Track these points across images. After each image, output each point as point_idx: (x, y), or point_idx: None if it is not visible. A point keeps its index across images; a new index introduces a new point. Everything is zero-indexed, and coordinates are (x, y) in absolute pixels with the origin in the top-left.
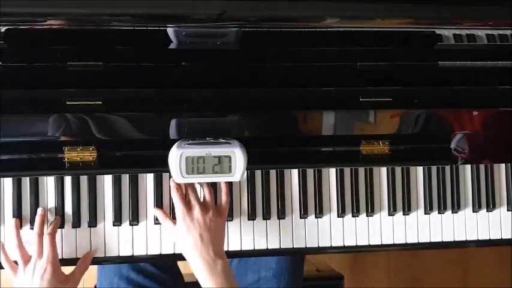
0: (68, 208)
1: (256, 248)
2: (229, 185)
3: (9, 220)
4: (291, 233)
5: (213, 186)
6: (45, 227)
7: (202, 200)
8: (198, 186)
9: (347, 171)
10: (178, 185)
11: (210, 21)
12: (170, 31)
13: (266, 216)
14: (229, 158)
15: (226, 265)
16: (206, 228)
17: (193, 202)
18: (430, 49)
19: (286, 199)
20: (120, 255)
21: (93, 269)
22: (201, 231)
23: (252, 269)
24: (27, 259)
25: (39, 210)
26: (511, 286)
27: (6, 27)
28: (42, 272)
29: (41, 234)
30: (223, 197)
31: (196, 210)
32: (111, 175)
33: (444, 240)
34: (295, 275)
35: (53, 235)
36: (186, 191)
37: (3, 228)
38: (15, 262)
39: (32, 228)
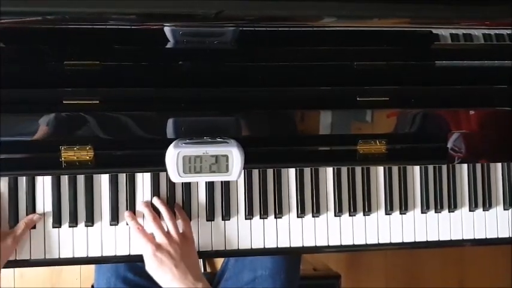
0: (65, 207)
1: (253, 248)
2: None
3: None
4: (288, 232)
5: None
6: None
7: (166, 231)
8: (157, 222)
9: (344, 170)
10: (137, 221)
11: (207, 21)
12: (167, 30)
13: (263, 215)
14: (227, 157)
15: (207, 286)
16: (178, 257)
17: (159, 236)
18: (427, 48)
19: (284, 198)
20: (117, 254)
21: (90, 270)
22: (174, 261)
23: (248, 268)
24: None
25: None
26: (510, 285)
27: (3, 26)
28: None
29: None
30: (183, 223)
31: (164, 243)
32: (108, 174)
33: (441, 239)
34: (291, 274)
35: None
36: (149, 224)
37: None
38: None
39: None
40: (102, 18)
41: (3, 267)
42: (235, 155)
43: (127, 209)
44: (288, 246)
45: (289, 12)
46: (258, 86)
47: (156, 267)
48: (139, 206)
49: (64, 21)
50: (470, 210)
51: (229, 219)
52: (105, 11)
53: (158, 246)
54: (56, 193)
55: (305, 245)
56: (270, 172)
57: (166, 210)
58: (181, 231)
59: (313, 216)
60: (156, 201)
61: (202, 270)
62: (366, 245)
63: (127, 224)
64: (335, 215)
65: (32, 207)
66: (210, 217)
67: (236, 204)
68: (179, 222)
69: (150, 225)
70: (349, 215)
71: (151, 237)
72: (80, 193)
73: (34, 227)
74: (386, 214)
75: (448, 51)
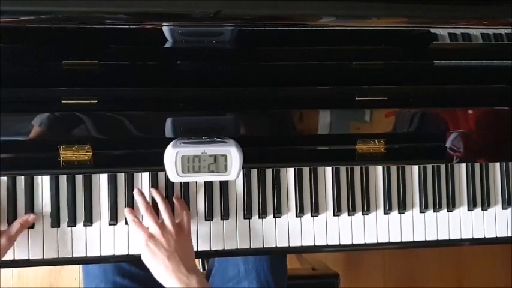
0: (63, 207)
1: (252, 247)
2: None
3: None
4: (287, 231)
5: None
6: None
7: (161, 221)
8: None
9: (343, 170)
10: (134, 214)
11: (205, 20)
12: (165, 30)
13: (262, 215)
14: (225, 157)
15: (201, 279)
16: (172, 248)
17: (152, 226)
18: (426, 48)
19: (282, 198)
20: (116, 254)
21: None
22: (167, 253)
23: (232, 263)
24: None
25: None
26: (509, 285)
27: (1, 26)
28: None
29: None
30: (182, 213)
31: (158, 234)
32: (106, 174)
33: (439, 238)
34: (275, 265)
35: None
36: (144, 215)
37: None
38: None
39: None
40: (101, 18)
41: (1, 267)
42: (233, 155)
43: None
44: (287, 245)
45: (288, 12)
46: (257, 85)
47: (149, 258)
48: (135, 195)
49: (62, 20)
50: (468, 210)
51: (228, 219)
52: (103, 11)
53: (151, 237)
54: (55, 193)
55: (304, 244)
56: (268, 172)
57: (162, 200)
58: (178, 221)
59: (311, 216)
60: (153, 192)
61: (201, 270)
62: (365, 245)
63: (126, 224)
64: (334, 215)
65: (30, 207)
66: (209, 217)
67: (235, 203)
68: (177, 212)
69: (143, 215)
70: (348, 215)
71: (145, 228)
72: (78, 193)
73: (32, 227)
74: (385, 214)
75: (446, 50)
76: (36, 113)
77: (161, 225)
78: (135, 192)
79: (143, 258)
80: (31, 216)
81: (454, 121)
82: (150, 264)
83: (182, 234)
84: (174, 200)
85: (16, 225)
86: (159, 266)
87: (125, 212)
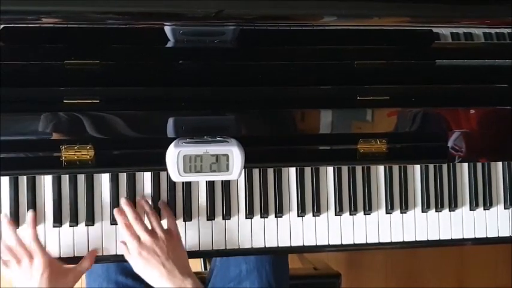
0: (65, 207)
1: (254, 247)
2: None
3: (6, 219)
4: (288, 231)
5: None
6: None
7: (150, 228)
8: (136, 217)
9: (344, 169)
10: (125, 217)
11: (207, 20)
12: (167, 29)
13: (264, 214)
14: (227, 156)
15: (195, 280)
16: (165, 254)
17: (143, 235)
18: (428, 47)
19: (284, 198)
20: (118, 253)
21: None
22: (161, 259)
23: (233, 263)
24: (20, 258)
25: (30, 212)
26: (510, 285)
27: (2, 26)
28: (41, 271)
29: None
30: (168, 220)
31: (149, 241)
32: (108, 174)
33: (441, 238)
34: (277, 265)
35: (34, 237)
36: (133, 224)
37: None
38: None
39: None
40: (102, 18)
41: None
42: (235, 154)
43: None
44: (289, 245)
45: (289, 11)
46: (259, 85)
47: (143, 267)
48: (122, 205)
49: (64, 20)
50: (470, 209)
51: (229, 219)
52: (105, 10)
53: (143, 246)
54: (57, 193)
55: (306, 244)
56: (270, 171)
57: (149, 208)
58: (166, 227)
59: (313, 216)
60: (139, 201)
61: (202, 269)
62: (367, 244)
63: None
64: (335, 214)
65: (32, 207)
66: (211, 216)
67: (236, 203)
68: (164, 219)
69: (133, 224)
70: (350, 214)
71: (137, 236)
72: (80, 192)
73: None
74: (387, 213)
75: (448, 50)
76: (38, 113)
77: (151, 233)
78: (123, 203)
79: (136, 268)
80: (96, 252)
81: (456, 121)
82: (144, 273)
83: (172, 240)
84: (160, 206)
85: (85, 262)
86: (153, 273)
87: (114, 212)
